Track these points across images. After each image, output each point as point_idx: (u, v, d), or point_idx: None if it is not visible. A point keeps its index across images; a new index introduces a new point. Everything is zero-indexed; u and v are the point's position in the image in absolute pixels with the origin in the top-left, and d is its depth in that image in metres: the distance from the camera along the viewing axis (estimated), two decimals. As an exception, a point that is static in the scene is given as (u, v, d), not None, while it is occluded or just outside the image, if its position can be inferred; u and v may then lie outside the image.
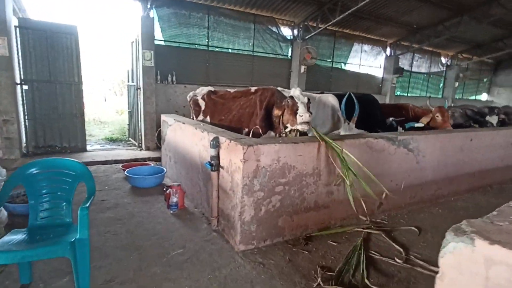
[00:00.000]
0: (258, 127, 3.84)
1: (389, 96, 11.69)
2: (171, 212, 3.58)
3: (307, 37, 9.02)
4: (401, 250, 2.93)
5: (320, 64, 10.07)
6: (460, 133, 4.59)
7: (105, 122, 11.07)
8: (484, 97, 16.80)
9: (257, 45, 8.79)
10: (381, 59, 11.80)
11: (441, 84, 14.47)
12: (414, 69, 12.99)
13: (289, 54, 9.46)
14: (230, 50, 8.47)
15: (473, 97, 16.25)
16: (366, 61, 11.42)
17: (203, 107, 5.09)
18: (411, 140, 3.89)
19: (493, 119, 6.30)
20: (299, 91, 3.63)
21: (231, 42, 8.39)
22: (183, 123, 4.22)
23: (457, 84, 14.10)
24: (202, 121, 5.04)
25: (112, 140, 8.24)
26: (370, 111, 4.80)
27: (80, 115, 6.54)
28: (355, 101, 4.29)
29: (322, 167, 3.11)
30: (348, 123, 4.23)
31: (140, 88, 7.05)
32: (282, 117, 3.73)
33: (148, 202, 3.87)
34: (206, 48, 8.05)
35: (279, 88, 4.40)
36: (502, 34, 12.02)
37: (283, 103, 3.69)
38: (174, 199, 3.57)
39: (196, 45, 7.93)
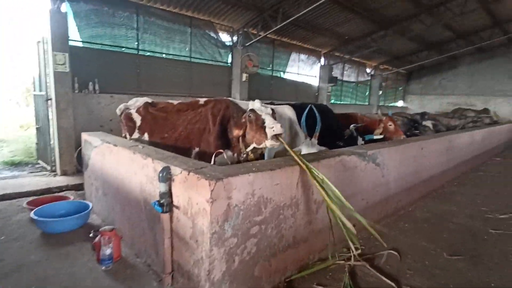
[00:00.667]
0: (221, 151, 3.16)
1: (326, 104, 12.02)
2: (104, 268, 2.64)
3: (247, 44, 8.62)
4: (393, 284, 2.57)
5: (260, 72, 9.77)
6: (415, 142, 4.60)
7: (5, 141, 8.93)
8: (400, 103, 18.79)
9: (194, 50, 8.04)
10: (316, 68, 12.12)
11: (367, 92, 15.65)
12: (345, 78, 13.72)
13: (229, 61, 8.93)
14: (164, 55, 7.55)
15: (392, 104, 18.01)
16: (303, 70, 11.59)
17: (138, 123, 4.17)
18: (378, 154, 3.66)
19: (429, 123, 6.76)
20: (259, 102, 3.10)
21: (165, 46, 7.48)
22: (115, 145, 3.28)
23: (380, 92, 15.41)
24: (138, 139, 4.13)
25: (14, 164, 6.53)
26: (326, 123, 4.52)
27: (-38, 135, 4.91)
28: (317, 114, 3.93)
29: (300, 194, 2.59)
30: (310, 139, 3.82)
31: (51, 99, 5.68)
32: (244, 135, 3.15)
33: (68, 257, 2.84)
34: (136, 52, 7.00)
35: (232, 99, 3.80)
36: (416, 48, 13.52)
37: (243, 120, 3.12)
38: (107, 250, 2.64)
39: (123, 48, 6.83)
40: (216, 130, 3.46)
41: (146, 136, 4.11)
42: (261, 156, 3.67)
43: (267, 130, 2.75)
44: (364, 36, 10.86)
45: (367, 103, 15.47)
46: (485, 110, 14.64)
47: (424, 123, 6.75)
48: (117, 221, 3.28)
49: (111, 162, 3.37)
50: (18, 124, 10.80)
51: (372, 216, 3.82)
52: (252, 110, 2.95)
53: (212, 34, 8.32)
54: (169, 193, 2.29)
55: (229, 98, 3.76)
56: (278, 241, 2.47)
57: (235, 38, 8.79)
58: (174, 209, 2.28)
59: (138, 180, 2.79)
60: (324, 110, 4.84)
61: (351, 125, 4.66)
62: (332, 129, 4.64)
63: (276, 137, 2.72)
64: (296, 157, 2.52)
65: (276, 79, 10.53)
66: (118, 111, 4.41)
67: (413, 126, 6.55)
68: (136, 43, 6.95)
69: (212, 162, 3.10)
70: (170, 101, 4.23)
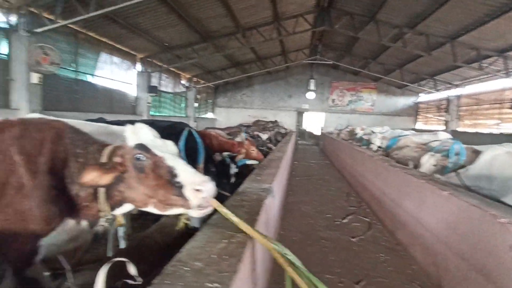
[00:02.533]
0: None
1: (147, 117, 10.57)
2: None
3: (38, 30, 5.96)
4: None
5: (58, 73, 7.12)
6: (279, 161, 4.43)
7: None
8: (210, 115, 19.81)
9: None
10: (132, 75, 10.42)
11: (183, 104, 15.30)
12: (162, 88, 12.69)
13: (2, 51, 5.87)
14: None
15: (204, 116, 18.65)
16: (117, 75, 9.61)
17: None
18: (274, 184, 3.11)
19: (264, 136, 7.13)
20: (148, 129, 1.81)
21: None
22: None
23: (197, 104, 15.48)
24: None
25: None
26: (193, 147, 3.54)
27: None
28: (198, 138, 2.92)
29: None
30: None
31: None
32: (117, 189, 1.71)
33: None
34: None
35: (66, 120, 2.12)
36: (226, 65, 14.50)
37: (117, 159, 1.69)
38: None
39: None
40: (40, 185, 1.72)
41: None
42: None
43: (188, 191, 1.48)
44: (186, 45, 10.35)
45: (184, 115, 15.10)
46: (275, 122, 17.90)
47: (261, 135, 7.04)
48: None
49: None
50: None
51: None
52: (143, 147, 1.59)
53: (-33, 4, 5.13)
54: None
55: (58, 119, 2.04)
56: None
57: (13, 18, 5.86)
58: None
59: None
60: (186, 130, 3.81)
61: (225, 153, 3.91)
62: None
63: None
64: (260, 236, 1.47)
65: (83, 84, 8.07)
66: None
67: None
68: None
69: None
70: None
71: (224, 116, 19.66)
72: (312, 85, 18.49)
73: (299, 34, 11.29)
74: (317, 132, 19.14)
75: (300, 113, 20.37)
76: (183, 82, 14.73)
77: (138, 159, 1.58)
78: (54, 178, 1.81)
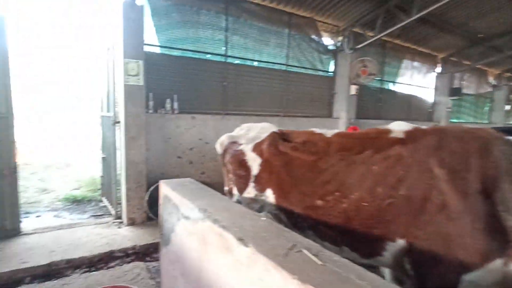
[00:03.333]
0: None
1: (445, 124, 9.24)
2: None
3: (358, 47, 6.54)
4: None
5: (367, 84, 7.56)
6: None
7: (71, 165, 8.12)
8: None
9: (292, 57, 6.22)
10: (429, 78, 9.46)
11: (486, 107, 12.26)
12: (463, 90, 10.71)
13: (330, 69, 6.94)
14: (255, 63, 5.85)
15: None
16: (415, 80, 9.03)
17: (256, 169, 2.31)
18: None
19: None
20: None
21: (258, 51, 5.79)
22: (240, 239, 1.38)
23: (509, 107, 11.93)
24: (254, 200, 2.27)
25: (75, 201, 5.29)
26: None
27: (9, 171, 3.65)
28: None
29: None
30: None
31: (119, 122, 4.25)
32: None
33: None
34: (224, 60, 5.40)
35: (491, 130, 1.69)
36: None
37: None
38: None
39: (208, 55, 5.28)
40: (471, 208, 1.40)
41: (269, 195, 2.21)
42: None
43: None
44: (510, 31, 7.99)
45: (486, 121, 12.07)
46: None
47: None
48: None
49: (221, 266, 1.48)
50: (89, 149, 10.08)
51: None
52: None
53: (313, 36, 6.43)
54: None
55: (482, 128, 1.66)
56: None
57: (339, 40, 6.79)
58: None
59: None
60: None
61: None
62: None
63: None
64: None
65: (386, 92, 8.20)
66: (218, 147, 2.62)
67: None
68: (224, 48, 5.35)
69: None
70: (317, 130, 2.27)
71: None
72: None
73: None
74: None
75: None
76: (489, 80, 11.77)
77: None
78: (485, 202, 1.42)
